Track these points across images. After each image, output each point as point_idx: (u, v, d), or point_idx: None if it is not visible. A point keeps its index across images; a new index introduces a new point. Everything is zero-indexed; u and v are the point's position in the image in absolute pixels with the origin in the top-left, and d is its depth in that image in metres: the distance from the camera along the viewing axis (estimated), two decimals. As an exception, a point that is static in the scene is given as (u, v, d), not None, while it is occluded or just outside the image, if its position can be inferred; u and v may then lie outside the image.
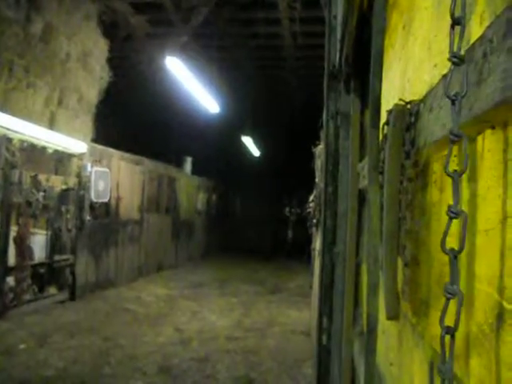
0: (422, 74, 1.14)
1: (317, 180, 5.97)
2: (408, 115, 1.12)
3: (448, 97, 0.69)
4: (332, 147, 2.73)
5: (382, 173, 1.21)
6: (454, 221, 0.70)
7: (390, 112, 1.19)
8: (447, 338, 0.67)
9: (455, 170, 0.69)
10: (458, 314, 0.65)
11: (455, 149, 0.79)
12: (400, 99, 1.18)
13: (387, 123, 1.20)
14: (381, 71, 1.25)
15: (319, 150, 5.56)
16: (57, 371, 4.63)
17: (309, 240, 12.50)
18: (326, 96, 2.84)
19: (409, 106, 1.14)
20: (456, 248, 0.67)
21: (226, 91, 11.34)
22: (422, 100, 1.04)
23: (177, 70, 8.30)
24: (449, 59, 0.69)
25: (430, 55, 1.08)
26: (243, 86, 11.94)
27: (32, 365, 4.74)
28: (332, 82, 2.78)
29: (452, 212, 0.66)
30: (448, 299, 0.67)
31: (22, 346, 5.26)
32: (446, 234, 0.68)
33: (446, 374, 0.66)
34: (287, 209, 14.64)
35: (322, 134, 3.66)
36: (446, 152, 0.94)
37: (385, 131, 1.24)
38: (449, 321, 0.69)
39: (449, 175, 0.70)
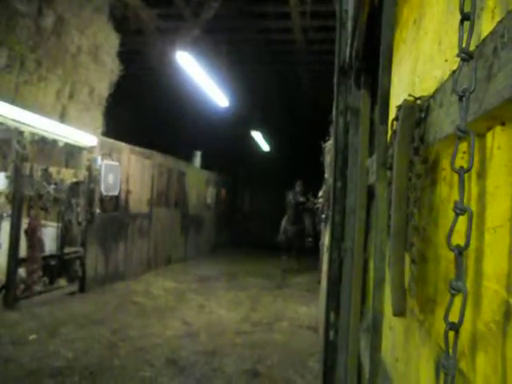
0: (433, 69, 1.13)
1: (326, 175, 5.96)
2: (418, 111, 1.11)
3: (456, 93, 0.69)
4: (341, 143, 2.72)
5: (390, 169, 1.21)
6: (462, 218, 0.70)
7: (399, 107, 1.18)
8: (451, 333, 0.67)
9: (461, 167, 0.69)
10: (463, 310, 0.65)
11: (464, 145, 0.78)
12: (410, 95, 1.17)
13: (396, 119, 1.19)
14: (390, 66, 1.24)
15: (329, 145, 5.55)
16: (66, 362, 4.69)
17: (301, 233, 11.48)
18: (336, 91, 2.82)
19: (419, 102, 1.13)
20: (462, 244, 0.67)
21: (236, 86, 11.33)
22: (432, 95, 1.03)
23: (187, 64, 8.30)
24: (457, 55, 0.68)
25: (440, 50, 1.07)
26: (253, 80, 11.91)
27: (42, 355, 4.81)
28: (342, 77, 2.77)
29: (458, 208, 0.66)
30: (453, 295, 0.67)
31: (32, 337, 5.34)
32: (451, 230, 0.68)
33: (450, 369, 0.66)
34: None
35: (332, 130, 3.65)
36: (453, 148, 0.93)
37: (394, 127, 1.23)
38: (456, 317, 0.69)
39: (455, 172, 0.69)
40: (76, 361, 4.75)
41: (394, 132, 1.21)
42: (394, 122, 1.22)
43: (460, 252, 0.67)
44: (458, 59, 0.87)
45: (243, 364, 4.98)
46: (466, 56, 0.67)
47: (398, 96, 1.46)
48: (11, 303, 6.30)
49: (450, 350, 0.67)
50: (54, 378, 4.28)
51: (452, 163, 0.69)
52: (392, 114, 1.29)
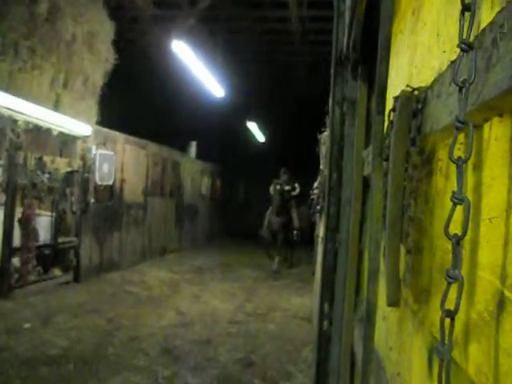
0: (431, 60, 1.13)
1: (321, 167, 5.96)
2: (415, 102, 1.11)
3: (456, 83, 0.69)
4: (337, 134, 2.72)
5: (386, 160, 1.21)
6: (458, 208, 0.70)
7: (396, 98, 1.18)
8: (447, 321, 0.68)
9: (459, 157, 0.69)
10: (459, 297, 0.66)
11: (461, 136, 0.78)
12: (407, 85, 1.17)
13: (393, 110, 1.19)
14: (388, 57, 1.23)
15: (324, 136, 5.54)
16: (61, 350, 4.71)
17: (286, 225, 10.31)
18: (332, 82, 2.81)
19: (416, 93, 1.13)
20: (459, 234, 0.67)
21: (232, 76, 11.27)
22: (430, 86, 1.03)
23: (183, 53, 8.24)
24: (458, 46, 0.68)
25: (438, 41, 1.07)
26: (249, 70, 11.86)
27: (37, 344, 4.82)
28: (339, 68, 2.75)
29: (456, 198, 0.67)
30: (449, 283, 0.68)
31: (26, 326, 5.34)
32: (449, 219, 0.69)
33: (445, 355, 0.67)
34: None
35: (328, 121, 3.64)
36: (452, 139, 0.93)
37: (391, 118, 1.23)
38: (450, 306, 0.70)
39: (453, 162, 0.70)
40: (71, 349, 4.76)
41: (391, 123, 1.22)
42: (391, 113, 1.22)
43: (457, 241, 0.68)
44: (457, 50, 0.87)
45: (237, 353, 5.01)
46: (466, 47, 0.67)
47: (395, 87, 1.46)
48: (5, 292, 6.30)
49: (446, 337, 0.68)
50: (49, 366, 4.29)
51: (450, 153, 0.69)
52: (389, 105, 1.29)
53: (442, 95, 0.92)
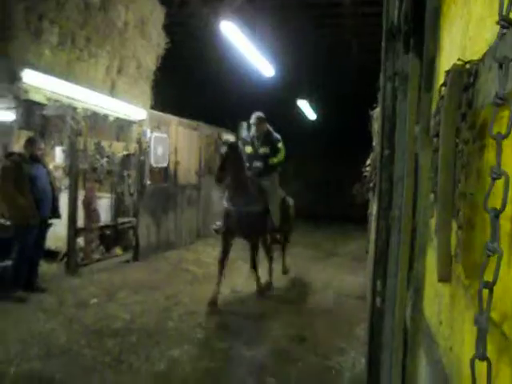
0: (484, 32, 1.10)
1: (373, 143, 5.84)
2: (466, 76, 1.08)
3: (496, 60, 0.69)
4: (389, 110, 2.65)
5: (437, 136, 1.20)
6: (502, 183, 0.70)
7: (447, 72, 1.16)
8: (485, 291, 0.70)
9: (499, 133, 0.69)
10: (497, 270, 0.67)
11: (507, 112, 0.77)
12: (459, 59, 1.14)
13: (444, 84, 1.17)
14: (435, 30, 1.21)
15: (376, 112, 5.41)
16: (125, 323, 5.02)
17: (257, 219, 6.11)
18: (383, 56, 2.74)
19: (468, 66, 1.10)
20: (498, 208, 0.68)
21: (282, 53, 11.14)
22: (481, 59, 1.01)
23: (232, 34, 8.24)
24: (497, 22, 0.67)
25: (491, 12, 1.04)
26: (299, 47, 11.66)
27: (103, 317, 5.16)
28: (390, 41, 2.67)
29: (494, 173, 0.67)
30: (488, 256, 0.69)
31: (93, 300, 5.72)
32: (488, 193, 0.70)
33: (482, 324, 0.69)
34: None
35: (380, 97, 3.56)
36: (503, 114, 0.92)
37: (442, 93, 1.21)
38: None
39: (492, 138, 0.70)
40: (133, 323, 5.06)
41: (442, 98, 1.20)
42: (442, 88, 1.20)
43: (496, 215, 0.68)
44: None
45: (290, 329, 5.11)
46: (505, 23, 0.66)
47: (449, 60, 1.42)
48: (73, 270, 6.75)
49: (484, 306, 0.70)
50: (114, 337, 4.60)
51: (489, 129, 0.69)
52: (441, 79, 1.27)
53: (493, 68, 0.90)
